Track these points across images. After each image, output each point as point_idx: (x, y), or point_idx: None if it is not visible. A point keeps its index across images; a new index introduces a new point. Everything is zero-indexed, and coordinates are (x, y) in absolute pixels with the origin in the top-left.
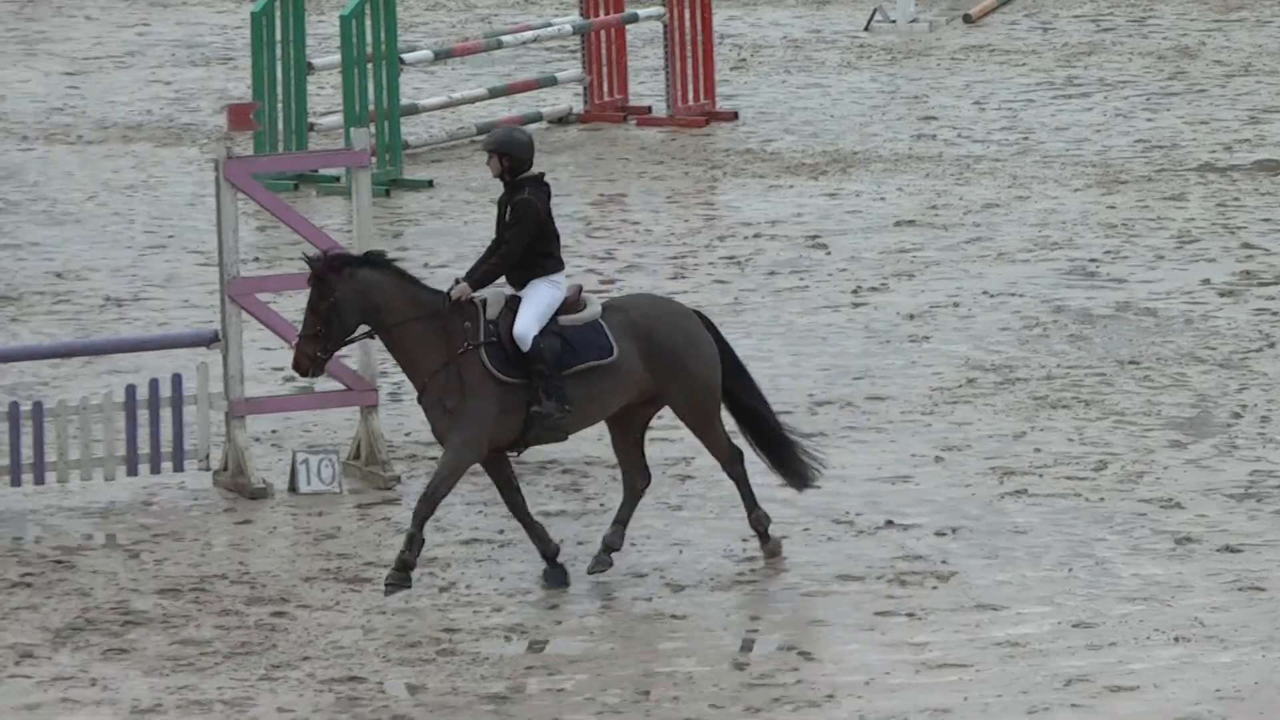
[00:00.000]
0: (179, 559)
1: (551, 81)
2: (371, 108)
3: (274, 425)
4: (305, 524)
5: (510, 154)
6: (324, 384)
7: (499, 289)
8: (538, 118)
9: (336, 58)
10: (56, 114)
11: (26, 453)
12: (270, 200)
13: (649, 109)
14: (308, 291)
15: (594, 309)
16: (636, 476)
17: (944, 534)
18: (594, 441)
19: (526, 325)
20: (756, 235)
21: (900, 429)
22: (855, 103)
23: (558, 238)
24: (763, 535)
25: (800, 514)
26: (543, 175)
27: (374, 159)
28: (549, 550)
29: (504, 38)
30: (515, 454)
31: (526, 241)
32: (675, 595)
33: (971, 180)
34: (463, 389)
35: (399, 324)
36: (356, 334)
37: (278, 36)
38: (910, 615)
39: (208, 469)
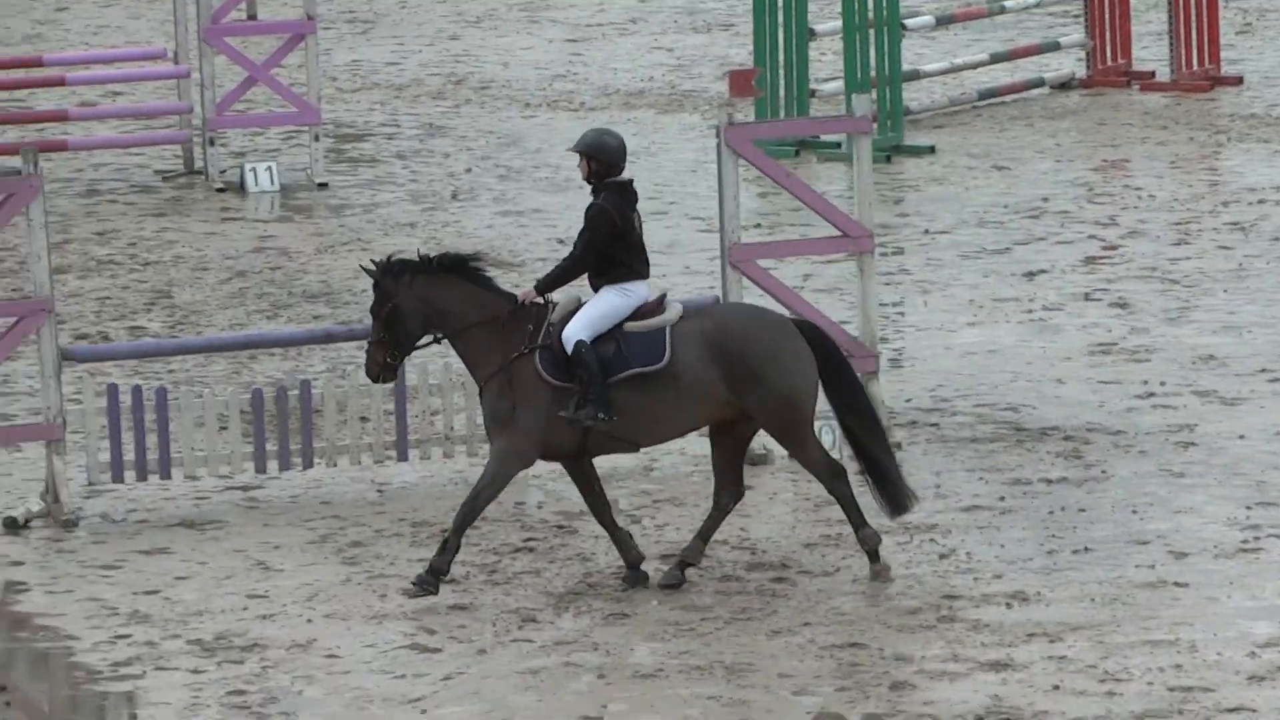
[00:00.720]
0: (679, 524)
1: (1054, 46)
2: (873, 73)
3: None
4: (805, 490)
5: (598, 157)
6: None
7: (573, 295)
8: (1040, 83)
9: (838, 24)
10: (559, 81)
11: None
12: (771, 166)
13: (1152, 74)
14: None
15: (667, 316)
16: (724, 494)
17: None
18: (1095, 408)
19: (575, 329)
20: (1261, 201)
21: None
22: None
23: (638, 246)
24: (871, 554)
25: None
26: (630, 182)
27: (875, 125)
28: (631, 558)
29: (1006, 2)
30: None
31: (597, 249)
32: (1178, 562)
33: None
34: (515, 393)
35: (463, 330)
36: (424, 340)
37: (779, 2)
38: None
39: (707, 436)
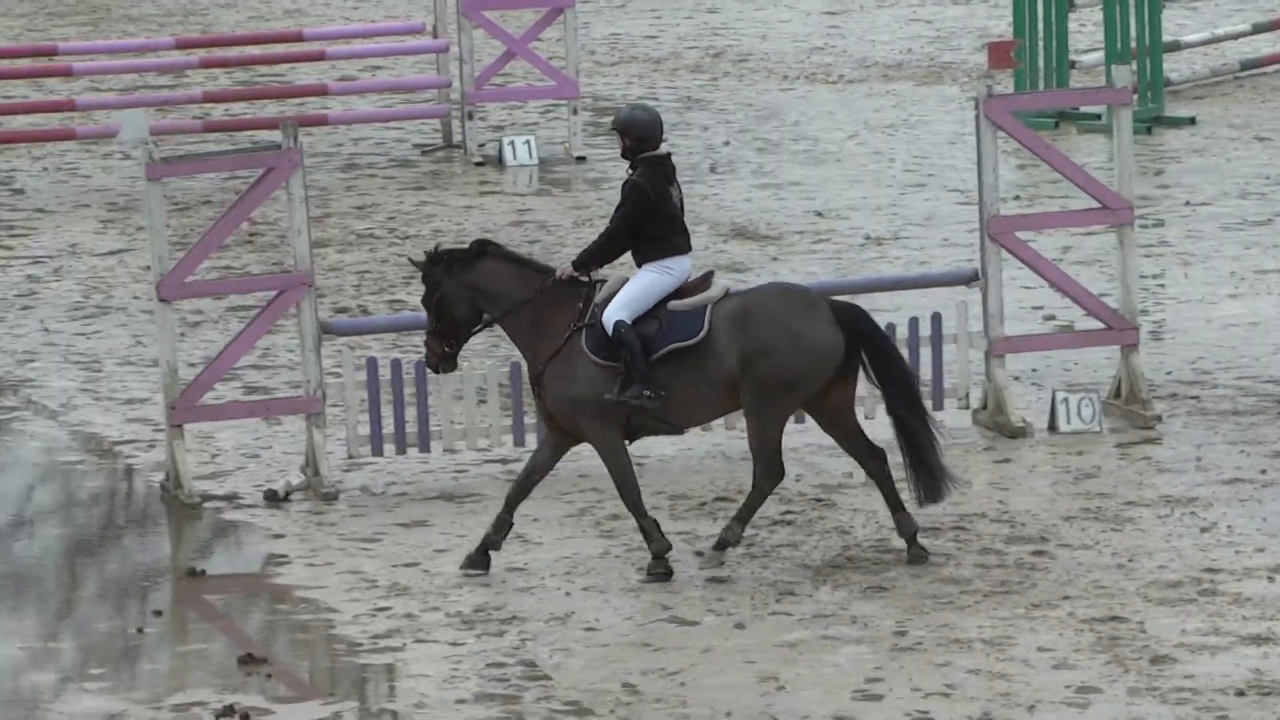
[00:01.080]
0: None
1: None
2: (1133, 44)
3: (1033, 364)
4: (1065, 463)
5: (630, 132)
6: (1084, 323)
7: (620, 275)
8: None
9: None
10: (817, 53)
11: None
12: (1030, 138)
13: None
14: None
15: (710, 293)
16: (868, 462)
17: None
18: None
19: (614, 310)
20: None
21: None
22: None
23: (676, 220)
24: (723, 541)
25: None
26: (666, 155)
27: (1136, 96)
28: (492, 541)
29: None
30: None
31: (632, 223)
32: None
33: None
34: (569, 371)
35: (512, 310)
36: (479, 324)
37: None
38: None
39: (967, 407)
